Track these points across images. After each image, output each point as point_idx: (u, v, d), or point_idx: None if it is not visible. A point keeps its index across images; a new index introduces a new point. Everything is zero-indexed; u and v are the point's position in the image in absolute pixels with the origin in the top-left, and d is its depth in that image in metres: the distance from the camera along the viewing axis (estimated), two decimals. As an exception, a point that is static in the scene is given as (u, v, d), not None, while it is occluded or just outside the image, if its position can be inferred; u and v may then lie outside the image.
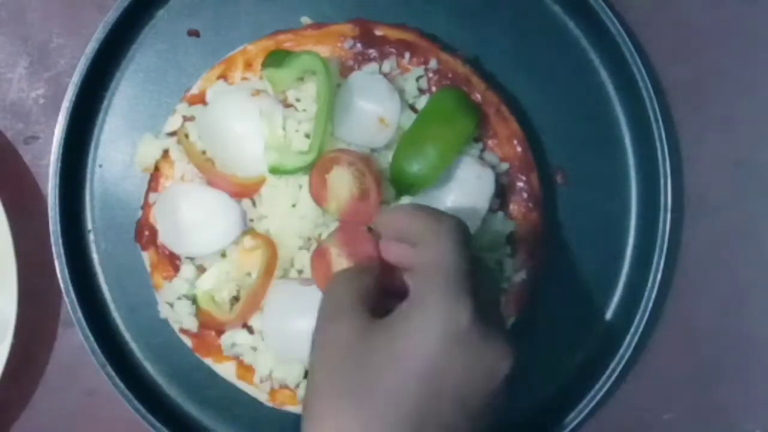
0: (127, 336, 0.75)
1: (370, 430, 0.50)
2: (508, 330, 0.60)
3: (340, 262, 0.62)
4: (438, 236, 0.54)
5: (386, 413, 0.50)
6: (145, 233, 0.73)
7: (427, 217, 0.56)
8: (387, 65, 0.72)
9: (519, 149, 0.73)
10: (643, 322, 0.73)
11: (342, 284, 0.57)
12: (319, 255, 0.64)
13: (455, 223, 0.55)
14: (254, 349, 0.72)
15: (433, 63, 0.72)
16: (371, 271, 0.58)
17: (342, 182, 0.69)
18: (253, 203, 0.72)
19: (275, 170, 0.70)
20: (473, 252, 0.55)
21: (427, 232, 0.55)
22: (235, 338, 0.72)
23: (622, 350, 0.73)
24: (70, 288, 0.72)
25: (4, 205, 0.72)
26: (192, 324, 0.72)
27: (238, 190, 0.72)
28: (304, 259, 0.71)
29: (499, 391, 0.53)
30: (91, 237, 0.75)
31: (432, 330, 0.51)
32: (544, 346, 0.75)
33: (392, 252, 0.58)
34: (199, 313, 0.72)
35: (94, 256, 0.75)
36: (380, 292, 0.57)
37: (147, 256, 0.73)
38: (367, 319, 0.53)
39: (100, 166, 0.76)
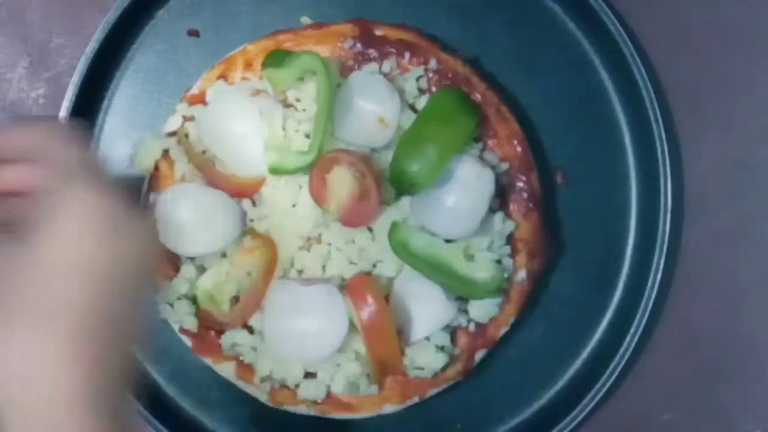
0: (127, 336, 0.75)
1: (47, 339, 0.50)
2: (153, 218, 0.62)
3: None
4: (58, 141, 0.54)
5: (57, 317, 0.50)
6: (145, 233, 0.73)
7: (33, 130, 0.55)
8: (387, 65, 0.72)
9: (519, 149, 0.73)
10: (643, 322, 0.73)
11: None
12: None
13: (59, 126, 0.57)
14: (254, 349, 0.72)
15: (433, 63, 0.72)
16: None
17: (342, 182, 0.69)
18: (253, 203, 0.72)
19: (275, 170, 0.70)
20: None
21: (46, 142, 0.54)
22: (235, 338, 0.72)
23: (622, 350, 0.73)
24: (70, 288, 0.72)
25: (4, 205, 0.72)
26: (192, 324, 0.72)
27: (238, 190, 0.72)
28: (304, 259, 0.71)
29: (150, 270, 0.56)
30: (91, 237, 0.75)
31: (75, 226, 0.51)
32: (544, 346, 0.75)
33: (11, 174, 0.55)
34: (199, 313, 0.72)
35: (94, 256, 0.75)
36: None
37: (147, 256, 0.73)
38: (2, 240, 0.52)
39: (100, 166, 0.75)
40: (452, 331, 0.72)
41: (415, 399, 0.72)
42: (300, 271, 0.72)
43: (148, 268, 0.55)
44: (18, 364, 0.50)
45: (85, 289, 0.51)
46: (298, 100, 0.72)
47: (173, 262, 0.72)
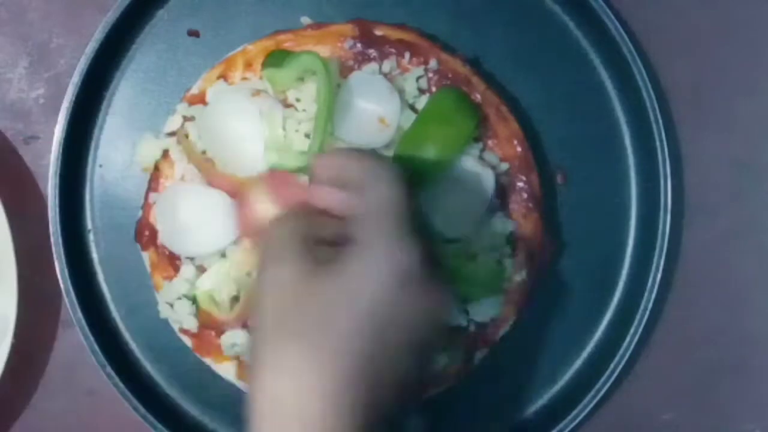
0: (127, 336, 0.75)
1: (325, 369, 0.51)
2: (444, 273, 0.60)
3: (265, 208, 0.60)
4: (381, 180, 0.55)
5: (339, 352, 0.51)
6: (145, 233, 0.73)
7: (367, 161, 0.57)
8: (387, 65, 0.72)
9: (519, 149, 0.73)
10: (643, 322, 0.73)
11: (283, 227, 0.57)
12: (242, 202, 0.62)
13: (395, 168, 0.56)
14: (254, 349, 0.72)
15: (433, 63, 0.72)
16: (307, 216, 0.57)
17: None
18: (253, 203, 0.72)
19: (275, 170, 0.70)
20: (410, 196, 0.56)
21: (369, 176, 0.55)
22: (235, 338, 0.72)
23: (622, 350, 0.72)
24: (70, 288, 0.72)
25: (4, 205, 0.72)
26: (192, 324, 0.72)
27: (238, 190, 0.72)
28: (304, 259, 0.71)
29: (439, 330, 0.55)
30: (91, 237, 0.75)
31: (381, 271, 0.52)
32: (544, 347, 0.75)
33: (329, 197, 0.57)
34: (199, 313, 0.72)
35: (94, 256, 0.75)
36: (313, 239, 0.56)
37: (147, 256, 0.73)
38: (312, 262, 0.54)
39: (100, 166, 0.76)
40: (452, 331, 0.72)
41: (415, 399, 0.72)
42: (300, 271, 0.72)
43: (434, 334, 0.54)
44: (287, 391, 0.51)
45: (369, 331, 0.51)
46: (298, 100, 0.72)
47: (173, 262, 0.72)
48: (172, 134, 0.73)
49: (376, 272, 0.52)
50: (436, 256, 0.57)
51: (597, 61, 0.76)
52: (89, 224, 0.75)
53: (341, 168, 0.57)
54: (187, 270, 0.72)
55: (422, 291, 0.53)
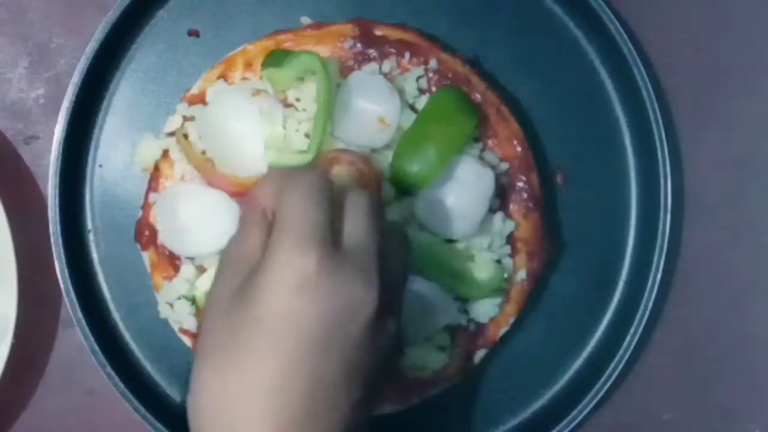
0: (127, 336, 0.75)
1: (235, 385, 0.52)
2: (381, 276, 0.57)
3: None
4: (286, 192, 0.55)
5: (248, 369, 0.52)
6: (145, 233, 0.73)
7: (278, 178, 0.57)
8: (387, 65, 0.72)
9: (519, 149, 0.73)
10: (643, 322, 0.73)
11: (228, 245, 0.58)
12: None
13: (305, 178, 0.56)
14: (254, 349, 0.72)
15: (433, 63, 0.72)
16: (258, 229, 0.57)
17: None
18: (253, 203, 0.72)
19: (275, 170, 0.70)
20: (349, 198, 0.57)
21: (279, 192, 0.56)
22: (235, 338, 0.72)
23: (622, 350, 0.73)
24: (70, 288, 0.72)
25: (4, 205, 0.72)
26: (192, 324, 0.72)
27: (238, 190, 0.72)
28: (304, 259, 0.71)
29: (365, 331, 0.53)
30: (91, 237, 0.75)
31: (276, 283, 0.52)
32: (544, 346, 0.75)
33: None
34: (199, 313, 0.72)
35: (94, 256, 0.75)
36: None
37: (147, 256, 0.73)
38: (244, 277, 0.54)
39: (100, 166, 0.76)
40: (452, 331, 0.72)
41: (415, 399, 0.72)
42: (300, 271, 0.72)
43: (358, 334, 0.53)
44: (229, 402, 0.52)
45: (273, 344, 0.51)
46: (298, 99, 0.72)
47: (173, 262, 0.72)
48: (172, 134, 0.73)
49: (272, 286, 0.52)
50: (368, 257, 0.55)
51: (597, 62, 0.76)
52: (89, 224, 0.75)
53: (265, 188, 0.58)
54: (187, 270, 0.72)
55: (329, 297, 0.52)
